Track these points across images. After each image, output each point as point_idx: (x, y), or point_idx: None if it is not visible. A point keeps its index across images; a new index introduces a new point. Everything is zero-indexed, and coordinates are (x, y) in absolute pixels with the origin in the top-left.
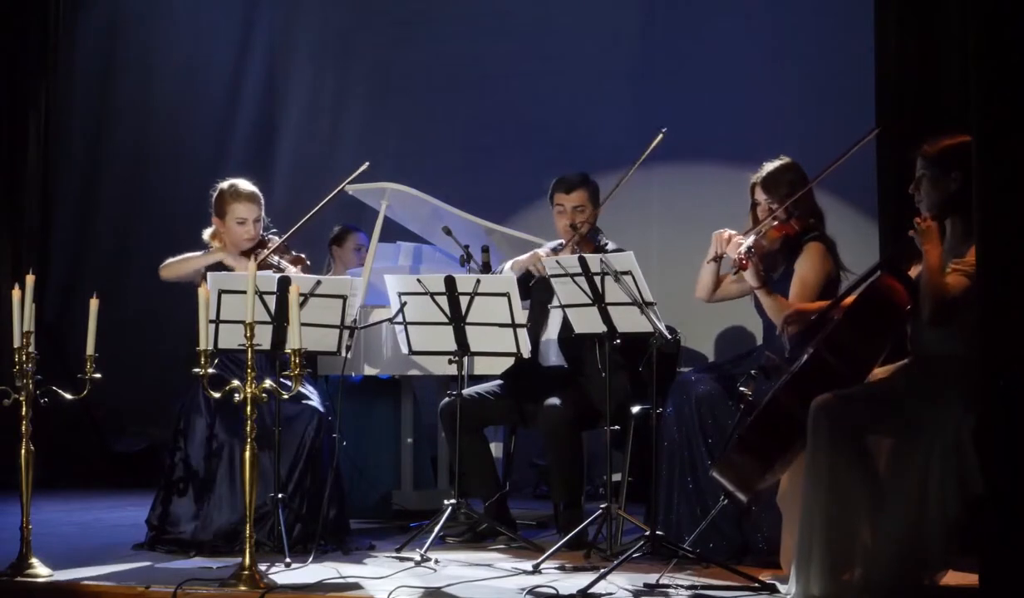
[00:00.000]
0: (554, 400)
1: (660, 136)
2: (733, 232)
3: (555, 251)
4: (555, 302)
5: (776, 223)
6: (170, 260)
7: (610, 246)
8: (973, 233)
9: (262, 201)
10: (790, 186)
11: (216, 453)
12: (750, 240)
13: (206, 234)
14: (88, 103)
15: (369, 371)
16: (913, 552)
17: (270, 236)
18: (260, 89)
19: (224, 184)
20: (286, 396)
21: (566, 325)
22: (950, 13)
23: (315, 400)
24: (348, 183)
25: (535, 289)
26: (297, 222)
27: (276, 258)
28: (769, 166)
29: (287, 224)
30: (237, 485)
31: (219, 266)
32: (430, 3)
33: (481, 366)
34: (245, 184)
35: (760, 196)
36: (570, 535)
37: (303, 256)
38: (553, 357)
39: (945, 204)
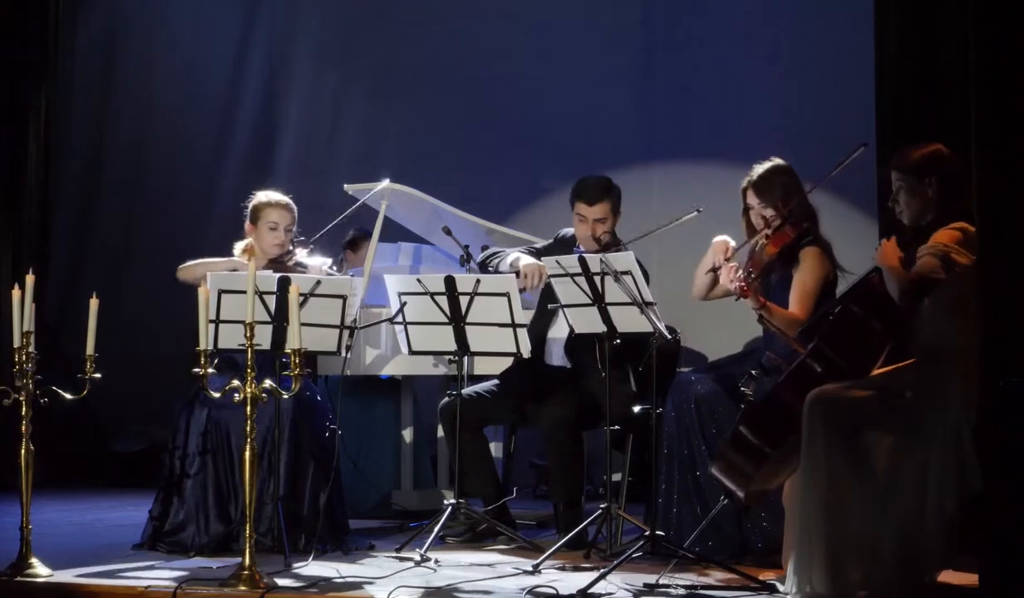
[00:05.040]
0: (555, 400)
1: (693, 214)
2: (731, 241)
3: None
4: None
5: (770, 236)
6: (189, 262)
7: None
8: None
9: (295, 213)
10: (783, 189)
11: (213, 454)
12: (746, 263)
13: (237, 248)
14: (88, 103)
15: (369, 371)
16: (912, 550)
17: (297, 249)
18: (260, 89)
19: (261, 194)
20: (286, 396)
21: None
22: (950, 12)
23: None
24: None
25: (546, 291)
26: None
27: (301, 264)
28: (759, 169)
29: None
30: (233, 486)
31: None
32: (430, 3)
33: (481, 366)
34: (280, 195)
35: (752, 200)
36: (570, 535)
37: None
38: (556, 358)
39: (926, 210)
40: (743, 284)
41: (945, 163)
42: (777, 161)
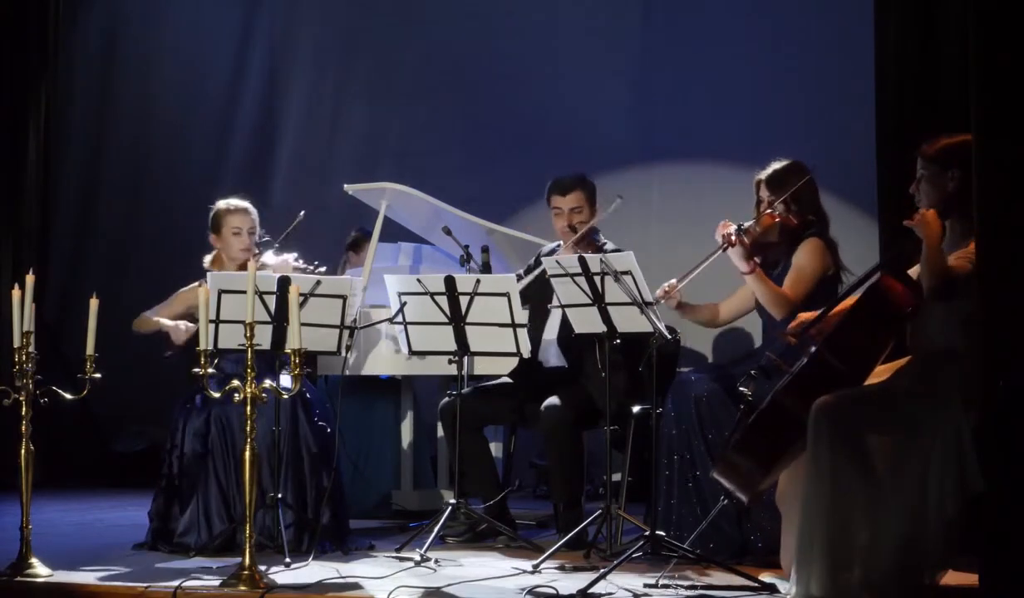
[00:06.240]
0: (554, 400)
1: (617, 202)
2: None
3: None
4: (554, 302)
5: (770, 210)
6: (143, 315)
7: (609, 246)
8: (971, 233)
9: (255, 214)
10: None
11: (213, 454)
12: (745, 224)
13: (206, 261)
14: (88, 102)
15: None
16: (913, 552)
17: (264, 249)
18: (260, 89)
19: (220, 202)
20: (286, 396)
21: (565, 325)
22: (950, 12)
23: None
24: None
25: (533, 291)
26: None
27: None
28: (776, 165)
29: (287, 224)
30: (234, 485)
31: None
32: (430, 3)
33: (481, 366)
34: (238, 199)
35: (764, 194)
36: (570, 535)
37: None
38: (553, 359)
39: (944, 202)
40: (732, 235)
41: (971, 157)
42: (795, 160)
